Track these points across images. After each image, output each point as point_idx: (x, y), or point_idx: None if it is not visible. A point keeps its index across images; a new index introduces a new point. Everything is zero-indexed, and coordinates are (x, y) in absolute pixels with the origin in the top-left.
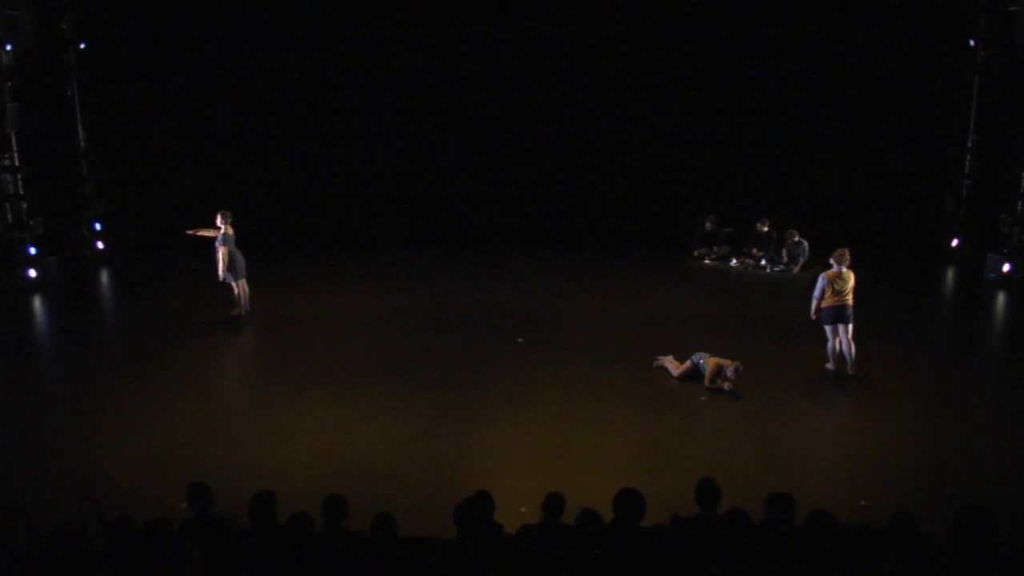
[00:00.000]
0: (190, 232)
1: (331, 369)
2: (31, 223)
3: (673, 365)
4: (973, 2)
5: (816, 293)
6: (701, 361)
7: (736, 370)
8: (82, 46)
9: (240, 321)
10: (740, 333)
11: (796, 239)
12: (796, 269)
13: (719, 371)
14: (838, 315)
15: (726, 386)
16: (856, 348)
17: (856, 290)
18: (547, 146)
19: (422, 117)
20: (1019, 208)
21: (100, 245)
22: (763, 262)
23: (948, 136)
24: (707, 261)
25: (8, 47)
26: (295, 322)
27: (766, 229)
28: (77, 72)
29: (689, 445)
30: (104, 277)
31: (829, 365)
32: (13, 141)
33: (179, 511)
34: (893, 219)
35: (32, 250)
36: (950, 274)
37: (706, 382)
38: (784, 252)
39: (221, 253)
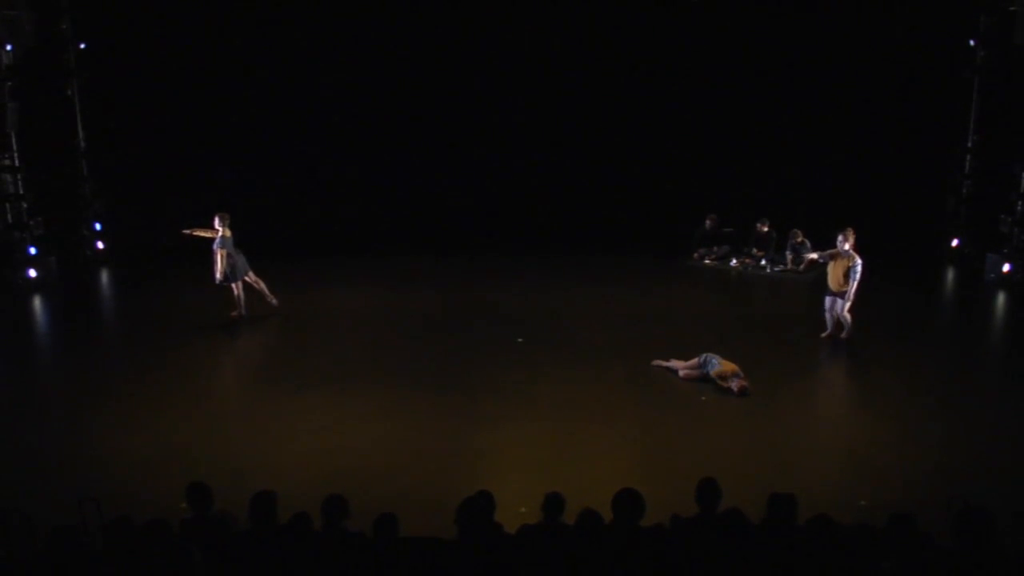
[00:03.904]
0: (187, 231)
1: (331, 369)
2: (31, 223)
3: (679, 364)
4: (973, 2)
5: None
6: (714, 360)
7: (741, 389)
8: (82, 46)
9: (240, 322)
10: (740, 333)
11: (800, 239)
12: (802, 267)
13: (733, 375)
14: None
15: (734, 386)
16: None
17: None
18: (547, 146)
19: (422, 117)
20: (1019, 208)
21: (100, 245)
22: (763, 262)
23: (948, 136)
24: (707, 261)
25: (8, 47)
26: (295, 322)
27: (766, 229)
28: (77, 72)
29: (689, 445)
30: (104, 277)
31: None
32: (13, 141)
33: (179, 511)
34: (893, 219)
35: (32, 250)
36: (950, 274)
37: (714, 374)
38: (788, 253)
39: (219, 255)
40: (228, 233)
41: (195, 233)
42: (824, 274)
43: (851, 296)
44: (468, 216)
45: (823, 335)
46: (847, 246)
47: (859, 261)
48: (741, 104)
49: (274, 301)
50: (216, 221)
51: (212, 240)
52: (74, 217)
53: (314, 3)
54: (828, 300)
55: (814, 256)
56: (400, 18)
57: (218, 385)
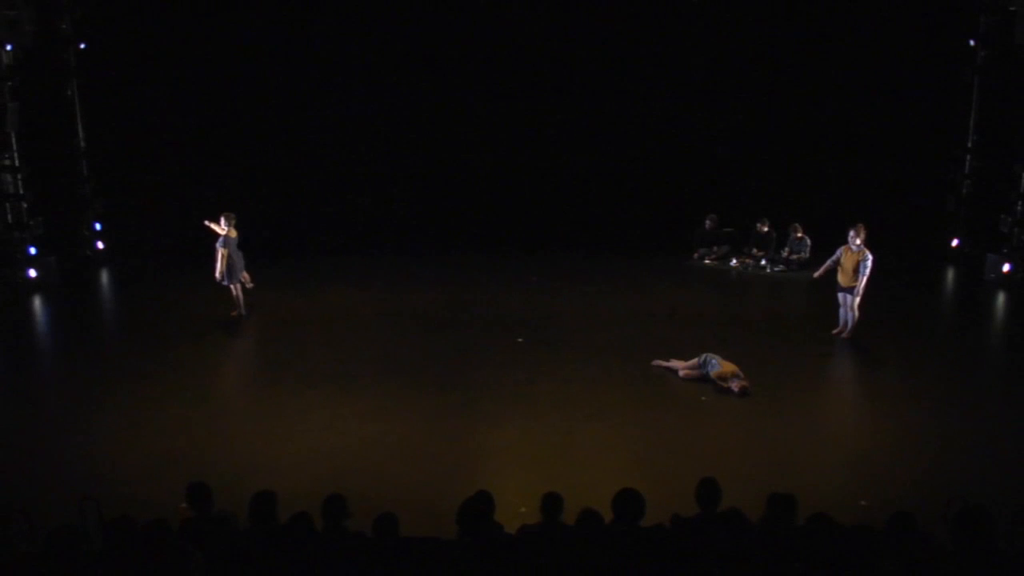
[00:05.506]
0: (206, 222)
1: (331, 369)
2: (31, 223)
3: (679, 364)
4: (973, 2)
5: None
6: (713, 361)
7: (741, 389)
8: (82, 46)
9: (240, 322)
10: (740, 333)
11: (799, 234)
12: (806, 254)
13: (733, 376)
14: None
15: (734, 386)
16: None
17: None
18: (548, 146)
19: (422, 117)
20: (1019, 208)
21: (100, 245)
22: (763, 262)
23: (948, 136)
24: (707, 261)
25: (8, 47)
26: (295, 322)
27: (766, 229)
28: (77, 72)
29: (689, 445)
30: (104, 277)
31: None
32: (13, 141)
33: (179, 511)
34: (893, 219)
35: (32, 250)
36: (950, 274)
37: (714, 375)
38: (785, 248)
39: (220, 254)
40: (233, 233)
41: (211, 225)
42: (828, 273)
43: (860, 291)
44: (468, 216)
45: (834, 332)
46: (859, 241)
47: (870, 256)
48: (741, 104)
49: (250, 285)
50: (222, 220)
51: (217, 237)
52: (74, 217)
53: (314, 3)
54: (840, 296)
55: (822, 271)
56: (400, 17)
57: (218, 385)
